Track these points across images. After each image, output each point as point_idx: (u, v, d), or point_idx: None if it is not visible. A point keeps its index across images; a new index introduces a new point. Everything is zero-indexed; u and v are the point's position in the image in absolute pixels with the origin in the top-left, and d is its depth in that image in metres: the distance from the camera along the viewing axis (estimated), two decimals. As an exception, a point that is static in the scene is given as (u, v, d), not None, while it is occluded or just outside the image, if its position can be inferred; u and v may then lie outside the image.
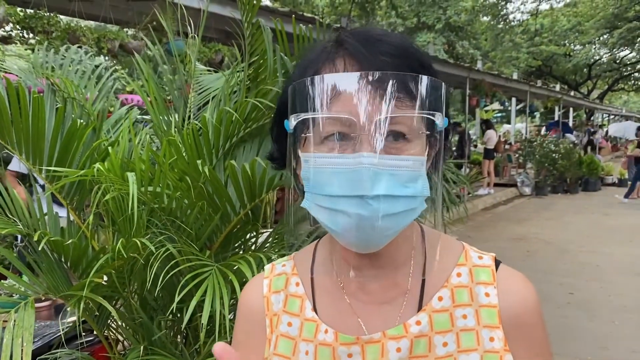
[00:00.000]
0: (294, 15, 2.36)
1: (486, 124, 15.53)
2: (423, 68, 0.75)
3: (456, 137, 15.18)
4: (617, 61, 29.62)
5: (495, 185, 14.99)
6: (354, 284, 0.84)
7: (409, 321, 0.79)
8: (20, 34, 5.16)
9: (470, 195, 12.25)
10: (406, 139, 0.71)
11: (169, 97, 2.70)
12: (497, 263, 0.84)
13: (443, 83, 0.73)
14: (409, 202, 0.71)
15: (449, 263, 0.84)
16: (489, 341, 0.78)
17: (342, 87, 0.70)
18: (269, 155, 0.91)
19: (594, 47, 28.70)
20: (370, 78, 0.69)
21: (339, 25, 7.65)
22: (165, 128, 2.46)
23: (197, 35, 2.59)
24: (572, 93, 24.66)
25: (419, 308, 0.80)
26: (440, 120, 0.72)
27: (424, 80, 0.70)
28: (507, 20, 25.73)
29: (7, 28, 5.12)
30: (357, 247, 0.73)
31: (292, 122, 0.74)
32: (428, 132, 0.74)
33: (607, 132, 29.98)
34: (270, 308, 0.88)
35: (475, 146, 18.48)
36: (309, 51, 0.82)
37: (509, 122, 23.33)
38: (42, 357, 2.12)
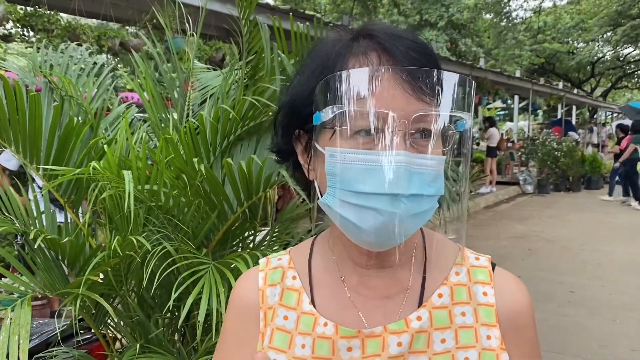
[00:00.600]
0: (291, 13, 2.36)
1: (489, 122, 15.50)
2: (439, 66, 0.75)
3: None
4: (621, 59, 29.51)
5: (498, 183, 14.97)
6: (356, 278, 0.83)
7: (410, 316, 0.80)
8: (21, 32, 5.16)
9: (472, 193, 12.23)
10: (433, 138, 0.71)
11: (168, 95, 2.70)
12: (493, 265, 0.86)
13: (474, 82, 0.73)
14: (431, 201, 0.72)
15: (448, 262, 0.85)
16: (486, 339, 0.79)
17: (384, 81, 0.69)
18: (274, 148, 0.88)
19: (597, 44, 28.60)
20: (412, 74, 0.69)
21: (339, 23, 7.63)
22: (163, 126, 2.46)
23: (196, 33, 2.59)
24: (575, 91, 24.52)
25: (419, 304, 0.81)
26: (469, 120, 0.73)
27: (460, 79, 0.70)
28: (510, 18, 25.67)
29: (8, 26, 5.13)
30: (374, 245, 0.74)
31: (328, 114, 0.71)
32: (458, 132, 0.74)
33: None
34: (265, 301, 0.87)
35: (478, 144, 18.44)
36: (329, 43, 0.79)
37: (511, 120, 23.29)
38: (40, 355, 2.12)
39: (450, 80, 0.70)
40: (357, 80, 0.69)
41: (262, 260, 0.93)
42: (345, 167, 0.70)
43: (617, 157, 13.71)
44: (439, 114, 0.70)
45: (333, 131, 0.72)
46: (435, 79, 0.69)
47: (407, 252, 0.84)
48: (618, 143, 13.90)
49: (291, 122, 0.81)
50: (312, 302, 0.84)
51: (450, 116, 0.71)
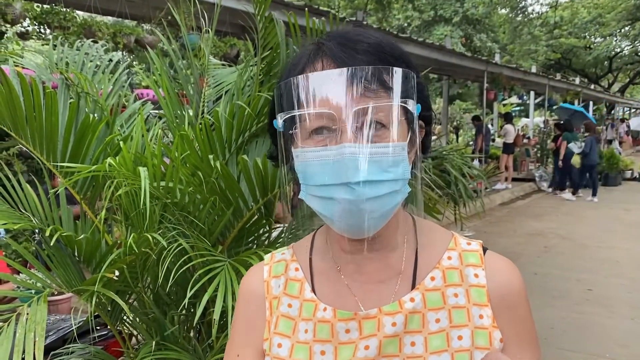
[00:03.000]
0: (307, 9, 2.34)
1: (505, 118, 15.35)
2: (397, 61, 0.80)
3: (473, 131, 15.06)
4: (639, 54, 29.09)
5: (513, 179, 14.84)
6: (351, 266, 0.89)
7: (403, 298, 0.85)
8: (37, 30, 5.21)
9: (488, 190, 12.14)
10: (385, 127, 0.76)
11: (183, 92, 2.70)
12: (484, 249, 0.91)
13: (413, 73, 0.79)
14: (390, 185, 0.76)
15: (440, 248, 0.91)
16: (478, 318, 0.84)
17: (319, 85, 0.75)
18: (269, 154, 0.97)
19: (615, 39, 28.25)
20: (343, 74, 0.74)
21: (354, 19, 7.60)
22: (179, 122, 2.45)
23: (211, 30, 2.59)
24: (592, 86, 24.24)
25: (413, 287, 0.86)
26: (412, 106, 0.78)
27: (392, 71, 0.76)
28: (526, 13, 25.43)
29: (25, 24, 5.17)
30: (349, 232, 0.79)
31: (279, 121, 0.80)
32: (405, 119, 0.79)
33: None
34: (270, 291, 0.94)
35: (494, 140, 18.29)
36: (296, 56, 0.87)
37: (527, 116, 23.07)
38: (56, 351, 2.13)
39: (389, 73, 0.76)
40: (293, 87, 0.77)
41: (267, 256, 1.00)
42: (307, 164, 0.78)
43: (554, 153, 14.67)
44: (383, 105, 0.75)
45: (292, 135, 0.81)
46: (373, 75, 0.75)
47: (397, 238, 0.89)
48: (554, 140, 14.84)
49: (273, 129, 0.88)
50: (313, 290, 0.91)
51: (400, 105, 0.77)
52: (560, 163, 13.81)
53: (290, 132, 0.80)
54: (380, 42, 0.81)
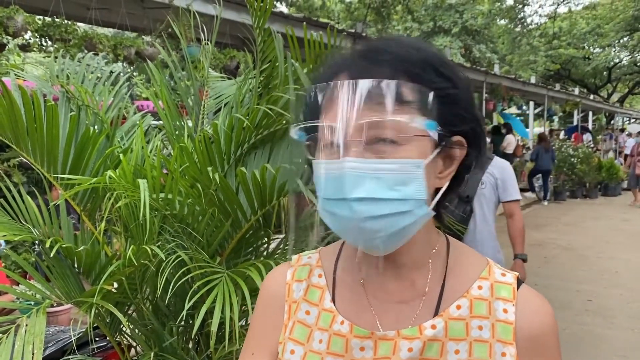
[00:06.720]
0: (304, 23, 2.37)
1: (506, 129, 15.36)
2: (424, 71, 0.75)
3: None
4: (638, 64, 29.16)
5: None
6: (374, 282, 0.86)
7: (424, 324, 0.81)
8: (39, 42, 5.24)
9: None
10: (396, 143, 0.72)
11: (182, 104, 2.72)
12: (519, 283, 0.85)
13: (431, 91, 0.74)
14: (397, 205, 0.73)
15: (471, 275, 0.85)
16: (500, 356, 0.79)
17: (328, 97, 0.75)
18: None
19: (613, 49, 28.30)
20: (353, 87, 0.72)
21: (353, 31, 7.65)
22: (178, 134, 2.47)
23: (211, 42, 2.61)
24: (591, 97, 24.28)
25: (436, 313, 0.82)
26: (418, 124, 0.73)
27: (403, 85, 0.72)
28: (525, 24, 25.55)
29: (26, 36, 5.21)
30: (361, 247, 0.78)
31: (293, 131, 0.80)
32: (426, 136, 0.74)
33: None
34: (291, 295, 0.91)
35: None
36: (324, 65, 0.86)
37: (527, 127, 23.13)
38: (55, 362, 2.14)
39: (398, 88, 0.72)
40: (305, 100, 0.78)
41: (294, 257, 0.98)
42: (317, 177, 0.77)
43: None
44: (393, 120, 0.72)
45: (306, 144, 0.80)
46: (383, 89, 0.71)
47: (422, 256, 0.85)
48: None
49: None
50: (333, 301, 0.88)
51: (415, 122, 0.73)
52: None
53: (308, 143, 0.80)
54: (407, 52, 0.77)
